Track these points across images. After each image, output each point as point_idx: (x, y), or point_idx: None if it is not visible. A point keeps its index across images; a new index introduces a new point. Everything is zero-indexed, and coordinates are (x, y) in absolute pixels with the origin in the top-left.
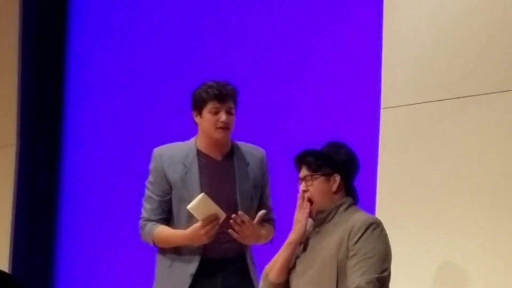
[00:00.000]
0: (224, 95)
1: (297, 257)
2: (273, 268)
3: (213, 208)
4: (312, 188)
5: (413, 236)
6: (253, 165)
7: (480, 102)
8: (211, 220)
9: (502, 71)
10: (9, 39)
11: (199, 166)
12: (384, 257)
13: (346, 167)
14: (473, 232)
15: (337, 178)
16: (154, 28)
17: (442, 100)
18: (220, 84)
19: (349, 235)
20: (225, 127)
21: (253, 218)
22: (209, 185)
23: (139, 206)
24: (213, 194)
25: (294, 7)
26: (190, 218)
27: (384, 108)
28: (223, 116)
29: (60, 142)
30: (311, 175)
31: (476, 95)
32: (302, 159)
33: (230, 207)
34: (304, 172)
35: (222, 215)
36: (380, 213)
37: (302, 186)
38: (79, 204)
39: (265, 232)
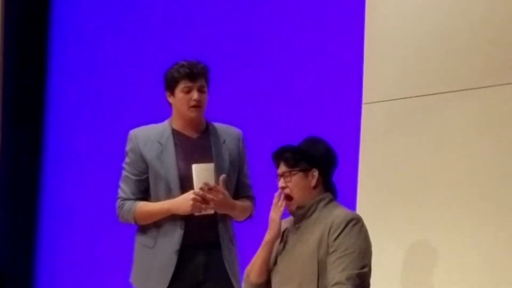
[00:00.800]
0: (195, 74)
1: (278, 254)
2: (253, 268)
3: (212, 182)
4: (290, 184)
5: (394, 231)
6: (229, 143)
7: (460, 97)
8: (203, 189)
9: (482, 68)
10: None
11: (175, 143)
12: (364, 253)
13: (324, 162)
14: (454, 226)
15: (315, 173)
16: (134, 17)
17: (423, 95)
18: (191, 63)
19: (329, 231)
20: (198, 105)
21: (232, 195)
22: (185, 162)
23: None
24: (190, 171)
25: (276, 2)
26: (168, 195)
27: (365, 103)
28: (195, 95)
29: (42, 134)
30: (289, 171)
31: (456, 90)
32: (279, 155)
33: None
34: (282, 168)
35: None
36: (361, 208)
37: (280, 183)
38: (61, 196)
39: (242, 204)
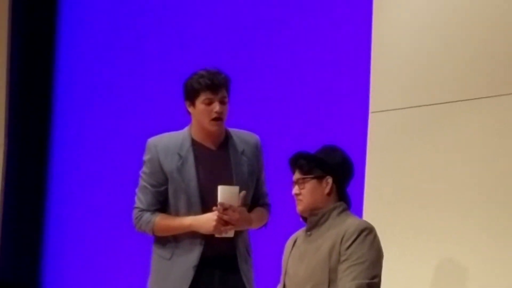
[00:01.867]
0: (216, 85)
1: (290, 260)
2: None
3: (236, 204)
4: (304, 190)
5: (400, 240)
6: (247, 152)
7: (468, 107)
8: (227, 210)
9: (491, 76)
10: None
11: (195, 156)
12: (375, 263)
13: (339, 170)
14: (462, 236)
15: (329, 180)
16: (142, 21)
17: (431, 104)
18: (212, 73)
19: (341, 240)
20: (219, 117)
21: (249, 206)
22: (206, 175)
23: (127, 205)
24: (210, 184)
25: (284, 11)
26: (189, 208)
27: (372, 112)
28: (217, 107)
29: (48, 143)
30: (303, 178)
31: (464, 100)
32: (294, 162)
33: None
34: (296, 175)
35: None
36: (368, 217)
37: (294, 190)
38: (66, 205)
39: (257, 215)
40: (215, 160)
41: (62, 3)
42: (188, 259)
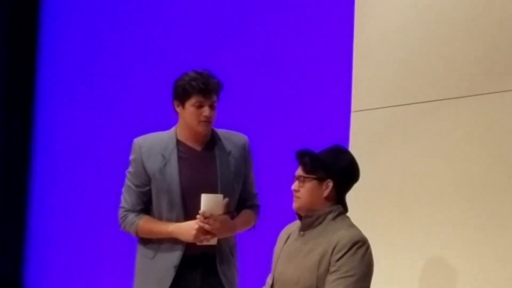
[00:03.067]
0: (209, 90)
1: (280, 255)
2: None
3: (219, 212)
4: (303, 189)
5: (382, 240)
6: (234, 153)
7: (449, 106)
8: (208, 219)
9: (472, 75)
10: None
11: (179, 156)
12: (364, 277)
13: (342, 175)
14: (444, 234)
15: (330, 184)
16: (128, 19)
17: (412, 103)
18: (205, 77)
19: (332, 250)
20: (208, 121)
21: (235, 206)
22: (189, 176)
23: (112, 202)
24: (193, 185)
25: (266, 11)
26: (171, 209)
27: (354, 111)
28: (206, 111)
29: (32, 141)
30: (304, 177)
31: (445, 99)
32: (300, 157)
33: None
34: (299, 171)
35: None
36: (350, 216)
37: (294, 185)
38: (50, 202)
39: (242, 219)
40: (199, 161)
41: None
42: (169, 259)
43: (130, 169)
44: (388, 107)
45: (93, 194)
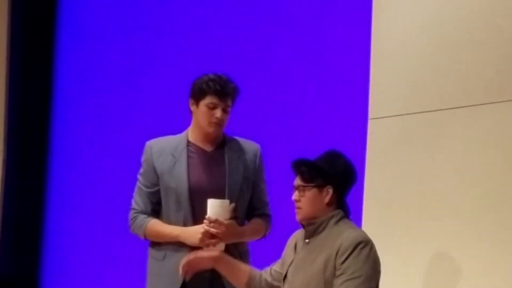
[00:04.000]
0: (225, 93)
1: (289, 266)
2: None
3: (225, 217)
4: (304, 198)
5: (399, 245)
6: (245, 158)
7: (467, 113)
8: (214, 224)
9: (489, 83)
10: None
11: (188, 156)
12: (371, 278)
13: (340, 180)
14: (460, 241)
15: (330, 190)
16: (142, 23)
17: (430, 111)
18: (223, 80)
19: (336, 253)
20: (219, 123)
21: (245, 212)
22: (197, 176)
23: (126, 204)
24: (201, 185)
25: (283, 17)
26: (179, 209)
27: (371, 118)
28: (218, 113)
29: (48, 149)
30: (303, 186)
31: (463, 106)
32: (296, 167)
33: (218, 197)
34: (297, 181)
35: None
36: (367, 224)
37: (294, 195)
38: (66, 211)
39: (252, 227)
40: (209, 161)
41: (62, 2)
42: (179, 259)
43: (141, 170)
44: (405, 114)
45: (110, 195)
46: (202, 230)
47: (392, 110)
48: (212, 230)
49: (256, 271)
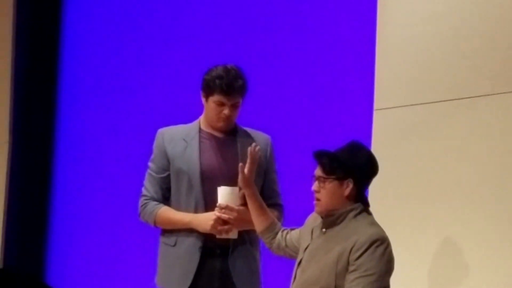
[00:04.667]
0: (231, 92)
1: (304, 251)
2: (256, 227)
3: (235, 204)
4: (324, 190)
5: (405, 237)
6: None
7: (473, 104)
8: (225, 210)
9: (494, 74)
10: (2, 39)
11: (200, 141)
12: (384, 276)
13: (362, 172)
14: (467, 233)
15: (351, 183)
16: (147, 19)
17: (435, 102)
18: (231, 76)
19: (351, 249)
20: (227, 119)
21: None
22: (209, 158)
23: (133, 204)
24: (213, 168)
25: (289, 9)
26: (190, 193)
27: (377, 109)
28: (226, 111)
29: (53, 140)
30: (324, 178)
31: (469, 97)
32: (318, 158)
33: (230, 181)
34: (318, 172)
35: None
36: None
37: (314, 186)
38: (71, 203)
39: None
40: (221, 146)
41: (67, 2)
42: (192, 242)
43: (152, 157)
44: (411, 105)
45: (115, 189)
46: (213, 216)
47: (398, 101)
48: (224, 216)
49: (277, 226)
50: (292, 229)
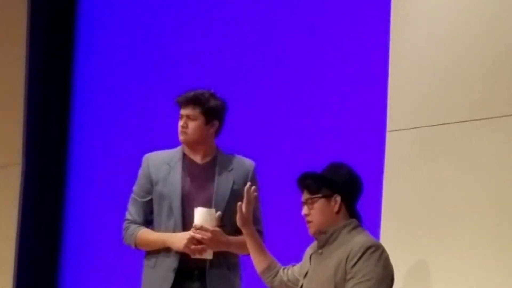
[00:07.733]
0: (182, 102)
1: (304, 276)
2: (255, 265)
3: (211, 226)
4: (313, 210)
5: (418, 260)
6: (236, 173)
7: (486, 125)
8: (199, 230)
9: (508, 95)
10: (16, 57)
11: (183, 167)
12: (382, 280)
13: (347, 188)
14: (479, 256)
15: (338, 198)
16: (160, 34)
17: (448, 123)
18: (188, 91)
19: (347, 258)
20: (182, 131)
21: (231, 221)
22: (189, 185)
23: None
24: (192, 194)
25: (299, 28)
26: (170, 216)
27: (390, 131)
28: (180, 122)
29: (66, 161)
30: (311, 198)
31: (482, 119)
32: (302, 182)
33: (205, 206)
34: (305, 195)
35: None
36: (385, 237)
37: (304, 210)
38: (86, 224)
39: (239, 239)
40: (200, 173)
41: (81, 10)
42: (168, 263)
43: (137, 181)
44: (424, 126)
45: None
46: (188, 236)
47: (411, 122)
48: (198, 235)
49: (277, 264)
50: (293, 265)
